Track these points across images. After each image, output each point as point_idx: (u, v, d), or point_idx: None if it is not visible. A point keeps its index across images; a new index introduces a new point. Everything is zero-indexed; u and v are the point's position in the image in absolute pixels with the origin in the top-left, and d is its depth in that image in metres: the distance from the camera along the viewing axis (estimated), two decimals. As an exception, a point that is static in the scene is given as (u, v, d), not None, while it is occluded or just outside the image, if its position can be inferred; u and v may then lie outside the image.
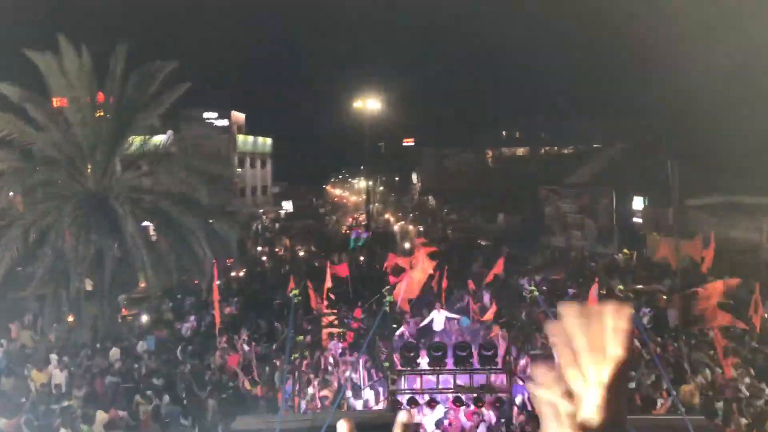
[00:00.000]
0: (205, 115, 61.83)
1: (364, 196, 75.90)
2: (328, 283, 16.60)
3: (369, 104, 58.10)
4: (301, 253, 41.52)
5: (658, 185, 32.64)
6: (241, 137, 64.66)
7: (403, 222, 71.53)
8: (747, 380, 13.72)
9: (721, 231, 27.79)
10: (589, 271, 29.23)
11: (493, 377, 12.64)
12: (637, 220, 36.86)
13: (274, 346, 16.81)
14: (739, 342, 16.46)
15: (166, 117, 23.81)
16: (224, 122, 62.54)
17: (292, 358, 12.45)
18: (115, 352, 17.86)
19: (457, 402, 12.29)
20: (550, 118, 78.96)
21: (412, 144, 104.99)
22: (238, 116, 65.76)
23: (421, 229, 55.53)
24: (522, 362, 13.88)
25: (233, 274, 30.37)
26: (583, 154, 66.85)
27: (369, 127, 56.42)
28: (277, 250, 44.05)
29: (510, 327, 13.22)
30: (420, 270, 19.34)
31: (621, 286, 12.75)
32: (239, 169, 59.93)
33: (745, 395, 13.20)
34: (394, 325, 17.48)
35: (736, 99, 35.24)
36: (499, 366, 12.65)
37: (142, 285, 21.54)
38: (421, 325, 17.75)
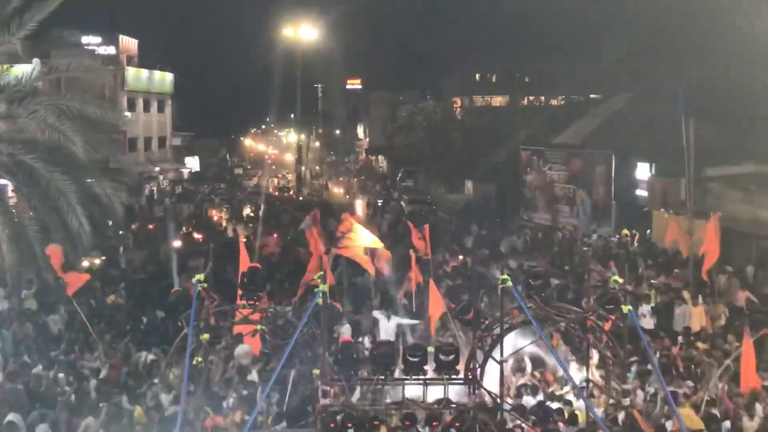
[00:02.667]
0: (84, 40, 60.47)
1: (295, 155, 75.73)
2: (244, 265, 16.57)
3: (303, 32, 57.59)
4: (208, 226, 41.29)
5: (670, 149, 33.26)
6: (132, 71, 63.47)
7: (344, 188, 71.70)
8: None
9: (747, 210, 28.62)
10: (579, 258, 29.79)
11: (452, 389, 12.85)
12: (642, 193, 37.57)
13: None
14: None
15: (31, 41, 23.26)
16: (110, 50, 61.25)
17: (195, 362, 12.43)
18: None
19: (407, 420, 12.47)
20: (537, 58, 79.68)
21: (359, 87, 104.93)
22: (129, 43, 64.49)
23: (366, 200, 55.59)
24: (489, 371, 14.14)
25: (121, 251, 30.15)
26: (577, 106, 67.72)
27: (302, 62, 56.04)
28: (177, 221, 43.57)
29: (475, 326, 13.42)
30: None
31: (617, 277, 13.05)
32: (128, 114, 58.88)
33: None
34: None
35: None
36: (461, 375, 12.85)
37: (-4, 263, 21.17)
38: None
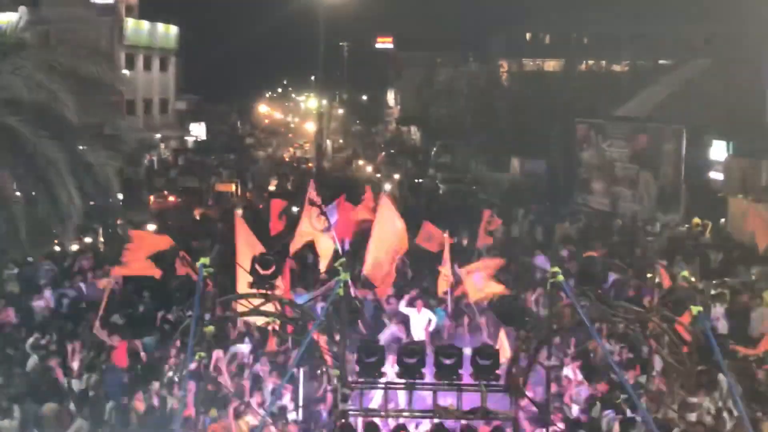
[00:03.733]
0: (78, -14, 60.73)
1: (314, 124, 75.74)
2: (254, 248, 16.64)
3: (327, -18, 57.46)
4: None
5: (751, 126, 32.92)
6: (131, 23, 63.77)
7: (372, 164, 71.63)
8: None
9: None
10: (641, 249, 29.63)
11: (491, 397, 12.86)
12: (717, 175, 37.32)
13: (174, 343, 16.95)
14: None
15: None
16: (107, -1, 61.54)
17: (197, 357, 12.52)
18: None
19: (438, 431, 12.50)
20: (598, 15, 78.93)
21: (390, 47, 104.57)
22: (128, -9, 64.76)
23: (397, 177, 55.55)
24: (534, 377, 14.10)
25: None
26: (644, 73, 67.14)
27: (326, 16, 55.85)
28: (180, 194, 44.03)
29: (518, 325, 13.38)
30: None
31: (686, 273, 12.94)
32: (127, 72, 59.16)
33: None
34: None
35: None
36: (501, 381, 12.85)
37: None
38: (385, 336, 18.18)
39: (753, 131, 31.85)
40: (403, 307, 20.31)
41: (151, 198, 42.70)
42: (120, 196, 27.91)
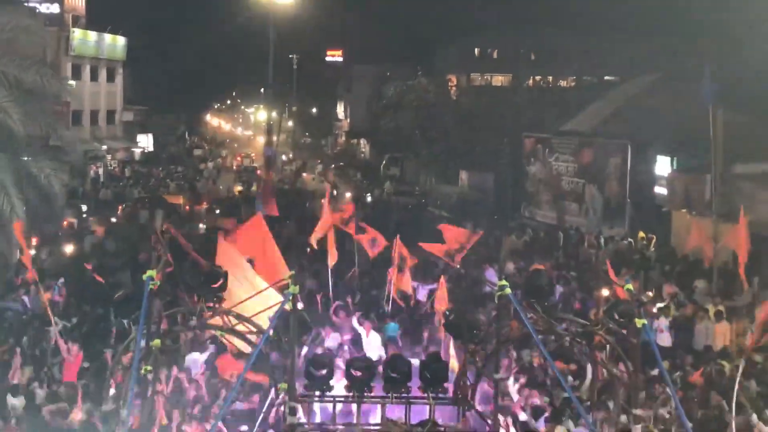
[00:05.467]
0: (24, -6, 59.99)
1: (264, 136, 75.38)
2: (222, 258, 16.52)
3: (277, -5, 57.37)
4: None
5: (695, 142, 33.28)
6: (78, 33, 63.08)
7: (319, 175, 71.53)
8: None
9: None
10: (587, 262, 29.88)
11: (439, 410, 12.84)
12: (661, 190, 37.68)
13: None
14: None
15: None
16: (54, 8, 60.84)
17: (144, 370, 12.35)
18: None
19: (386, 444, 12.47)
20: (545, 32, 79.72)
21: (340, 59, 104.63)
22: (76, 1, 64.06)
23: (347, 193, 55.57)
24: (482, 390, 14.14)
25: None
26: (590, 89, 67.83)
27: (276, 29, 55.70)
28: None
29: (467, 338, 13.39)
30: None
31: (631, 286, 13.00)
32: (73, 82, 58.40)
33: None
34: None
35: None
36: (449, 394, 12.85)
37: None
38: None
39: (696, 147, 32.16)
40: (355, 323, 20.22)
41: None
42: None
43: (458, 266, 23.87)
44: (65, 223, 33.95)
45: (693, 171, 33.40)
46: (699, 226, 27.27)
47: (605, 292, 17.25)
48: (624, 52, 73.33)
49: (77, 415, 15.01)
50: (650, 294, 24.18)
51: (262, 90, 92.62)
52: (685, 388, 17.06)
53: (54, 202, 22.72)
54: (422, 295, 23.43)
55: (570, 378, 16.98)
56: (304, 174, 72.87)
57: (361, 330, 19.79)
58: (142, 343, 11.83)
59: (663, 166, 37.57)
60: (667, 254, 32.17)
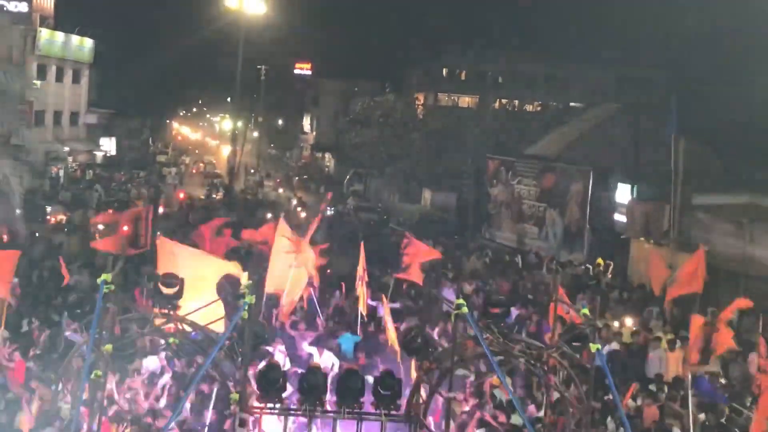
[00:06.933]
0: (-10, -7, 59.52)
1: (229, 144, 75.17)
2: (165, 266, 16.38)
3: (249, 4, 57.34)
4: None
5: (655, 171, 33.58)
6: (45, 33, 62.57)
7: (283, 187, 71.39)
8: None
9: (737, 245, 28.98)
10: (544, 285, 29.99)
11: (390, 427, 12.80)
12: (620, 218, 37.96)
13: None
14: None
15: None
16: (21, 6, 60.33)
17: (93, 376, 12.20)
18: None
19: (336, 460, 12.41)
20: (513, 56, 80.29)
21: (308, 73, 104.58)
22: (44, 1, 63.56)
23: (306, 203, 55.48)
24: (434, 407, 14.11)
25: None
26: (555, 114, 68.34)
27: (245, 39, 55.72)
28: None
29: (421, 356, 13.37)
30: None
31: (586, 311, 13.04)
32: (37, 82, 58.03)
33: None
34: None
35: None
36: (401, 411, 12.81)
37: None
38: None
39: (657, 176, 32.46)
40: (306, 346, 20.01)
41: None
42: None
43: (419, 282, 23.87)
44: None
45: (653, 200, 33.69)
46: (656, 255, 27.45)
47: (561, 316, 17.29)
48: (589, 80, 74.16)
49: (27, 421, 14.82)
50: (606, 319, 24.30)
51: (228, 99, 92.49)
52: (636, 415, 17.14)
53: (12, 200, 22.47)
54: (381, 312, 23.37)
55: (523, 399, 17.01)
56: (268, 184, 72.72)
57: (313, 350, 19.56)
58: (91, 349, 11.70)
59: (623, 193, 37.85)
60: (622, 281, 32.37)
